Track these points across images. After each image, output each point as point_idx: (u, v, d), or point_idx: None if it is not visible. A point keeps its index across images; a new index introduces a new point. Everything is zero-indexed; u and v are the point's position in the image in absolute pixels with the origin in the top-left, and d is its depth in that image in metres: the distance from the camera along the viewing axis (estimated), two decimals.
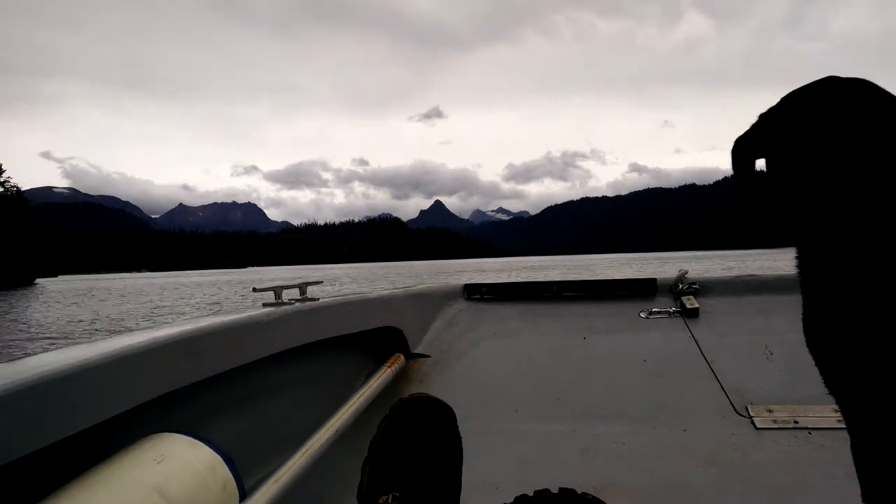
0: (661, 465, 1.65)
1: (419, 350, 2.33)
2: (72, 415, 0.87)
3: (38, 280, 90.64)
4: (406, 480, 1.03)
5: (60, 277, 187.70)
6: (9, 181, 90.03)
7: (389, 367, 2.06)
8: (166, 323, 1.46)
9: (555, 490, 1.05)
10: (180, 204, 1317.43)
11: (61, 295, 46.17)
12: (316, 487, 1.41)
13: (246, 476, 1.07)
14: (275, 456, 1.32)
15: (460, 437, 1.13)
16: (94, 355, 0.94)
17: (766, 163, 0.91)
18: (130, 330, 1.32)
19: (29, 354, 1.08)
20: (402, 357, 2.19)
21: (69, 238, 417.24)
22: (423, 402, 1.13)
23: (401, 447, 1.07)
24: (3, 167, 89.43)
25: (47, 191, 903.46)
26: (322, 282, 1.96)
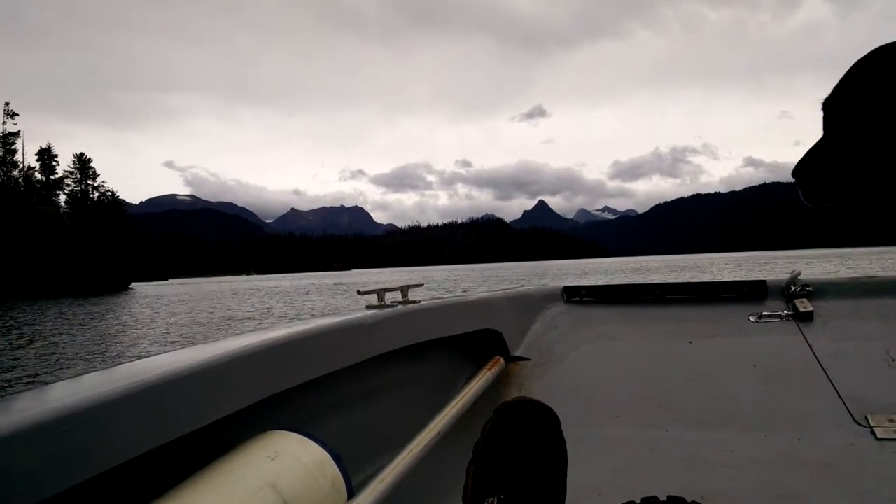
0: (772, 474, 1.59)
1: (518, 353, 2.32)
2: (191, 413, 0.93)
3: (133, 285, 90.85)
4: (511, 483, 1.03)
5: (170, 281, 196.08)
6: (103, 185, 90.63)
7: (489, 369, 2.06)
8: (275, 325, 1.50)
9: (663, 498, 1.01)
10: (292, 209, 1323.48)
11: (134, 302, 43.64)
12: (421, 488, 1.42)
13: (353, 475, 1.10)
14: (380, 456, 1.34)
15: (564, 442, 1.13)
16: (210, 357, 1.00)
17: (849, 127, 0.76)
18: (241, 332, 1.39)
19: (149, 355, 1.15)
20: (501, 360, 2.19)
21: (186, 243, 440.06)
22: (526, 406, 1.12)
23: (505, 450, 1.07)
24: (98, 172, 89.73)
25: (171, 198, 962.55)
26: (423, 285, 1.99)
